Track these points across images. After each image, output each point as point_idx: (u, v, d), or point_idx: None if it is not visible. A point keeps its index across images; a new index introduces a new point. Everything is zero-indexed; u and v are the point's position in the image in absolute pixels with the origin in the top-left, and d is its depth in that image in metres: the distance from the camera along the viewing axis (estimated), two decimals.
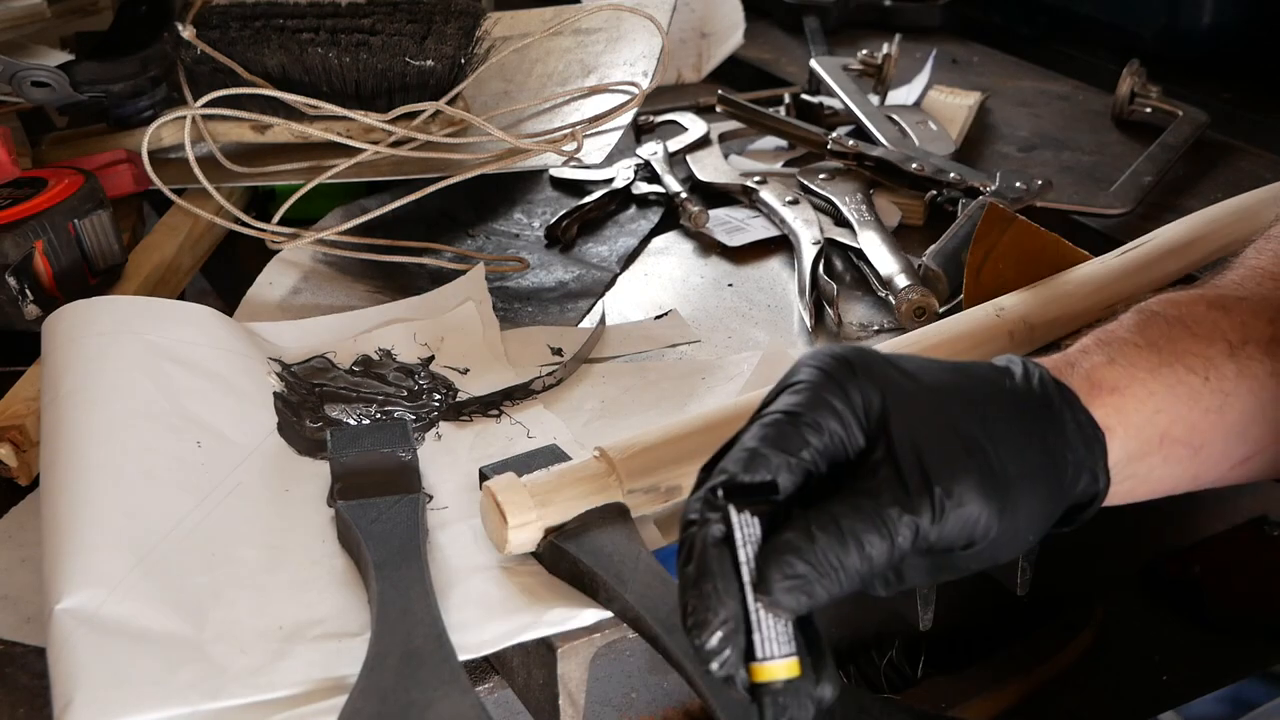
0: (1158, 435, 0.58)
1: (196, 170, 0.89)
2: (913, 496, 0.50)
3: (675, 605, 0.57)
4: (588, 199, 1.04)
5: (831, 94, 1.19)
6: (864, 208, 0.99)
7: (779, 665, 0.49)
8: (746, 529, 0.50)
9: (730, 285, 0.95)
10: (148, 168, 0.90)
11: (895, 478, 0.51)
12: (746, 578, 0.50)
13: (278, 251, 0.94)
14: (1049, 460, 0.54)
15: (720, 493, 0.51)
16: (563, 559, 0.62)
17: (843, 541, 0.49)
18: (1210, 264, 0.89)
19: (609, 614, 0.60)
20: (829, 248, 0.95)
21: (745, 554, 0.50)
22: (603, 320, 0.87)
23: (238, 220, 0.93)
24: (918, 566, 0.54)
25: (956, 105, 1.19)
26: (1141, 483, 0.59)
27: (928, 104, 1.20)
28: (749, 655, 0.49)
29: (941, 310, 0.86)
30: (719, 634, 0.49)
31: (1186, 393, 0.58)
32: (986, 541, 0.52)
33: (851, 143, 1.05)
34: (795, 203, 1.01)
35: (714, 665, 0.49)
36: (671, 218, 1.04)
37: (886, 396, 0.53)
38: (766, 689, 0.49)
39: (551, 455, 0.69)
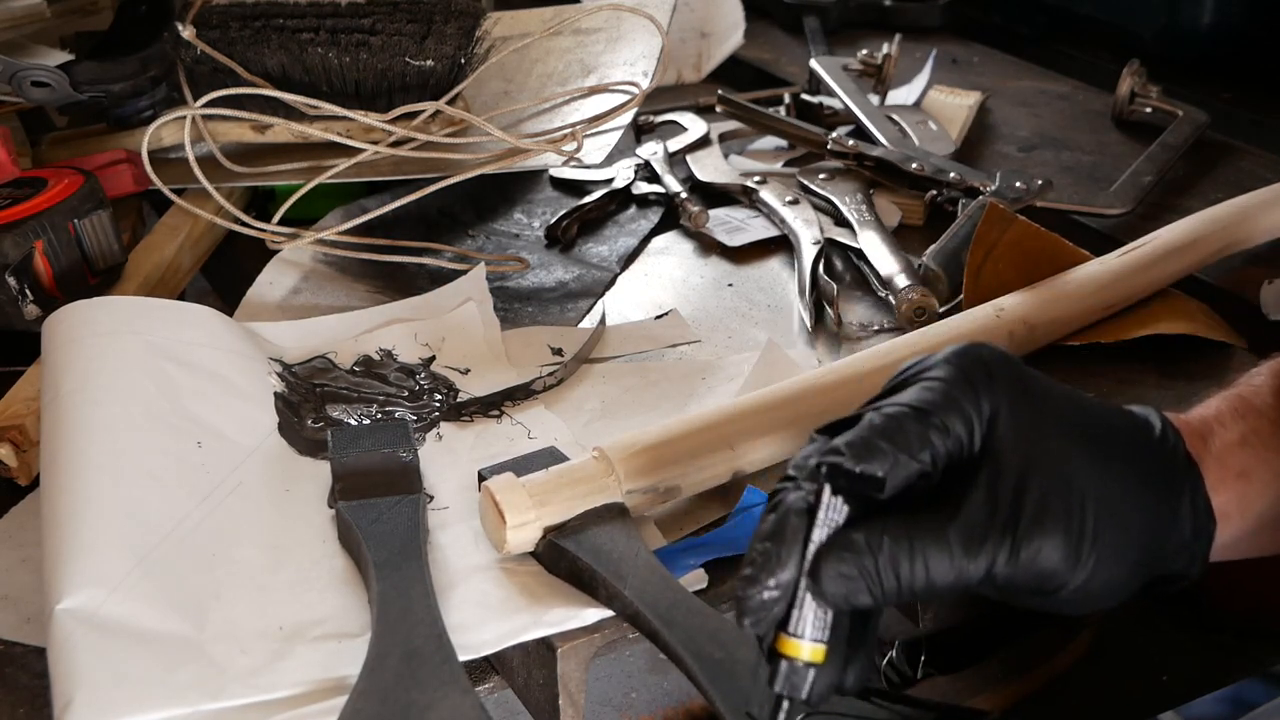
0: (1274, 518, 0.56)
1: (196, 170, 0.89)
2: (994, 535, 0.49)
3: (673, 601, 0.58)
4: (588, 199, 1.04)
5: (831, 94, 1.19)
6: (864, 208, 0.99)
7: (805, 646, 0.50)
8: (831, 511, 0.51)
9: (730, 285, 0.95)
10: (148, 168, 0.90)
11: (986, 508, 0.50)
12: (808, 556, 0.50)
13: (278, 251, 0.94)
14: (1150, 535, 0.53)
15: (824, 470, 0.50)
16: (562, 557, 0.62)
17: (911, 559, 0.49)
18: (1211, 264, 0.89)
19: (609, 613, 0.60)
20: (829, 248, 0.95)
21: (819, 535, 0.50)
22: (603, 320, 0.87)
23: (238, 220, 0.93)
24: (976, 590, 0.52)
25: (956, 105, 1.19)
26: (1243, 552, 0.58)
27: (928, 104, 1.20)
28: (784, 623, 0.50)
29: (941, 310, 0.86)
30: (763, 596, 0.49)
31: None
32: (1053, 597, 0.52)
33: (851, 143, 1.05)
34: (795, 203, 1.01)
35: (746, 620, 0.49)
36: (671, 218, 1.04)
37: (1012, 417, 0.51)
38: (784, 659, 0.50)
39: (550, 457, 0.69)
